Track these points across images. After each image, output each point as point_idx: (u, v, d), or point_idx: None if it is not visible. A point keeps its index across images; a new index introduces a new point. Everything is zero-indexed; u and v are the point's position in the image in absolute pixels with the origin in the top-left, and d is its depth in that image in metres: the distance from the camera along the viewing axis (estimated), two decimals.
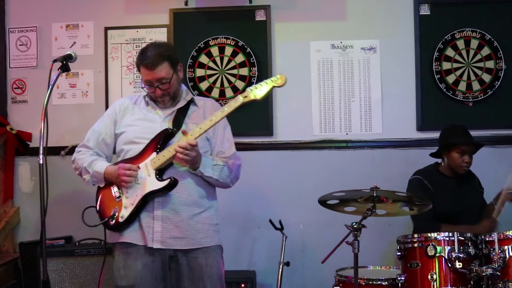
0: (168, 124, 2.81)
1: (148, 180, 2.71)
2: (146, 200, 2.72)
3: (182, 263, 2.76)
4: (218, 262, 2.83)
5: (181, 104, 2.88)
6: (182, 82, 2.96)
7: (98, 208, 2.85)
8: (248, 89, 2.69)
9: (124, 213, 2.73)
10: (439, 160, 3.66)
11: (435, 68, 4.15)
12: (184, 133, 2.65)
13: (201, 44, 4.23)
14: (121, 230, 2.76)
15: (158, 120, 2.85)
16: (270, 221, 3.70)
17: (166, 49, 2.82)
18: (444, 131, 3.63)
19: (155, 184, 2.69)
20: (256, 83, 2.74)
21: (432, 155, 3.67)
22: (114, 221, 2.74)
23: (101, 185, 2.84)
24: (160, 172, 2.72)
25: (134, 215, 2.73)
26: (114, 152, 2.96)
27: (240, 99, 2.69)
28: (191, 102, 2.92)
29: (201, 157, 2.71)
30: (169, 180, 2.68)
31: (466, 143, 3.51)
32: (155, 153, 2.73)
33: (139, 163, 2.75)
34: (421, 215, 3.23)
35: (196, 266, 2.75)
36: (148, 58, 2.75)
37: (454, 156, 3.51)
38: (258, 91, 2.67)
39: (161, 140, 2.75)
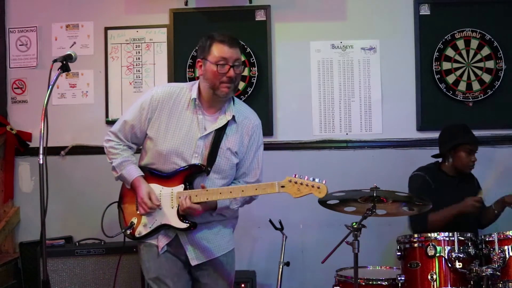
0: (205, 148, 2.69)
1: (170, 212, 2.70)
2: (164, 227, 2.73)
3: (208, 264, 2.81)
4: (234, 261, 2.92)
5: (219, 123, 2.72)
6: None
7: (119, 206, 2.86)
8: (288, 180, 2.51)
9: (142, 230, 2.75)
10: (440, 160, 3.65)
11: (435, 68, 4.15)
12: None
13: None
14: (139, 240, 2.79)
15: (197, 134, 2.70)
16: (270, 221, 3.70)
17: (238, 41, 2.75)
18: (447, 131, 3.62)
19: (175, 221, 2.69)
20: (301, 177, 2.52)
21: (434, 156, 3.66)
22: (130, 231, 2.77)
23: (128, 187, 2.82)
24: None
25: (151, 234, 2.75)
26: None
27: (276, 189, 2.55)
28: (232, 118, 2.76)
29: (213, 204, 2.69)
30: (188, 224, 2.67)
31: (475, 142, 3.51)
32: (182, 185, 2.69)
33: (165, 185, 2.72)
34: (418, 215, 3.24)
35: (219, 265, 2.82)
36: (228, 36, 2.66)
37: (461, 156, 3.51)
38: (297, 191, 2.51)
39: (192, 174, 2.69)
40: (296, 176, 2.51)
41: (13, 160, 4.28)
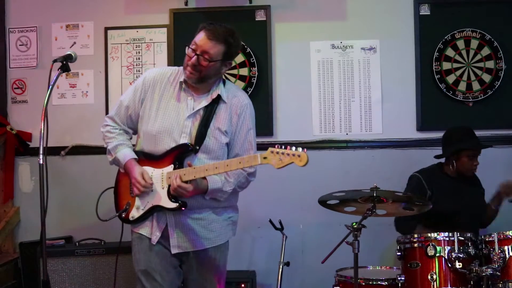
0: (193, 128, 2.72)
1: (160, 193, 2.72)
2: (156, 209, 2.74)
3: (193, 256, 2.80)
4: (225, 256, 2.91)
5: (206, 101, 2.75)
6: (220, 75, 2.81)
7: (114, 191, 2.90)
8: (270, 151, 2.50)
9: (135, 214, 2.78)
10: (443, 160, 3.65)
11: (435, 68, 4.15)
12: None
13: None
14: (133, 224, 2.82)
15: (184, 113, 2.74)
16: (270, 221, 3.70)
17: (234, 40, 2.72)
18: (451, 135, 3.59)
19: (166, 202, 2.70)
20: (282, 146, 2.51)
21: (437, 157, 3.66)
22: (125, 215, 2.80)
23: (122, 171, 2.86)
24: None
25: (144, 217, 2.77)
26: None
27: (258, 160, 2.53)
28: (219, 98, 2.78)
29: (205, 185, 2.67)
30: (178, 204, 2.68)
31: (479, 148, 3.51)
32: (172, 165, 2.70)
33: (156, 167, 2.74)
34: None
35: (206, 259, 2.81)
36: (214, 28, 2.67)
37: (464, 161, 3.50)
38: (279, 161, 2.50)
39: (181, 154, 2.70)
40: (277, 146, 2.52)
41: (13, 160, 4.28)
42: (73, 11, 4.33)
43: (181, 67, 2.81)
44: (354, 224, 2.89)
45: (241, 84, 4.20)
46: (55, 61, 2.63)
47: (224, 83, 2.84)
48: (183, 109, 2.76)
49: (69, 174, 4.24)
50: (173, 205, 2.68)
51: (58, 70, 2.61)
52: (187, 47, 2.71)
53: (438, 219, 3.43)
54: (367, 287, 3.11)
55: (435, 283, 2.94)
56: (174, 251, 2.75)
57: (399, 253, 3.10)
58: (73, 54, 2.68)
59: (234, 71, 4.22)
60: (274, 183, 4.15)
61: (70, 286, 3.59)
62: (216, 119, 2.76)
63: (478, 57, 4.15)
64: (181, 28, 4.26)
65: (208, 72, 2.69)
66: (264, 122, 4.20)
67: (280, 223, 3.69)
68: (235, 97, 2.83)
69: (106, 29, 4.31)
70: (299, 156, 2.48)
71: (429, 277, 2.96)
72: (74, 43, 4.32)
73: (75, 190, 4.22)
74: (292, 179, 4.16)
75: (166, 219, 2.75)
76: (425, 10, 4.18)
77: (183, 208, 2.68)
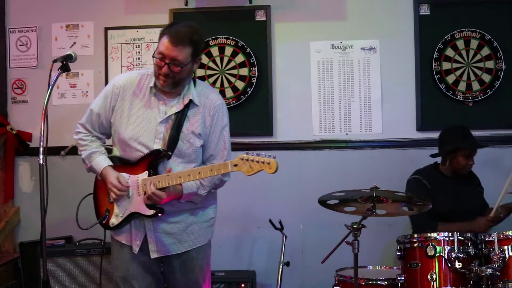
0: (166, 133, 2.71)
1: (137, 199, 2.71)
2: (134, 216, 2.74)
3: (174, 258, 2.80)
4: (208, 255, 2.90)
5: (177, 108, 2.73)
6: (192, 74, 2.79)
7: (94, 198, 2.89)
8: (240, 158, 2.50)
9: (114, 220, 2.77)
10: (439, 160, 3.66)
11: (435, 68, 4.15)
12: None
13: None
14: (113, 230, 2.81)
15: (157, 119, 2.72)
16: (270, 221, 3.69)
17: (198, 36, 2.66)
18: (446, 134, 3.60)
19: (143, 209, 2.70)
20: (251, 153, 2.51)
21: (433, 156, 3.67)
22: (105, 221, 2.79)
23: (99, 178, 2.84)
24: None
25: (123, 224, 2.77)
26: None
27: (229, 168, 2.53)
28: (190, 101, 2.76)
29: (179, 190, 2.67)
30: (155, 211, 2.68)
31: (475, 147, 3.51)
32: (147, 172, 2.69)
33: (131, 173, 2.73)
34: (418, 215, 3.23)
35: (188, 260, 2.81)
36: (176, 32, 2.60)
37: (459, 160, 3.50)
38: (249, 169, 2.49)
39: (154, 160, 2.69)
40: (248, 153, 2.51)
41: (13, 160, 4.29)
42: (73, 11, 4.33)
43: (149, 70, 2.79)
44: (354, 224, 2.89)
45: (241, 84, 4.20)
46: (55, 61, 2.63)
47: (194, 83, 2.81)
48: (155, 115, 2.73)
49: (69, 174, 4.24)
50: (150, 212, 2.68)
51: (58, 70, 2.61)
52: (153, 57, 2.67)
53: (435, 218, 3.43)
54: (367, 287, 3.11)
55: (435, 283, 2.94)
56: (153, 256, 2.75)
57: (399, 253, 3.10)
58: (73, 54, 2.68)
59: (234, 71, 4.22)
60: (274, 183, 4.15)
61: (70, 286, 3.59)
62: (189, 122, 2.74)
63: (478, 57, 4.15)
64: None
65: (181, 76, 2.67)
66: (264, 122, 4.20)
67: (280, 223, 3.69)
68: (207, 99, 2.80)
69: (106, 29, 4.31)
70: (268, 163, 2.47)
71: (429, 277, 2.96)
72: (74, 43, 4.32)
73: (75, 190, 4.21)
74: (292, 179, 4.16)
75: (144, 225, 2.75)
76: (425, 10, 4.18)
77: (160, 214, 2.68)
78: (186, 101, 2.73)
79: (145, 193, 2.67)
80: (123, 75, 2.87)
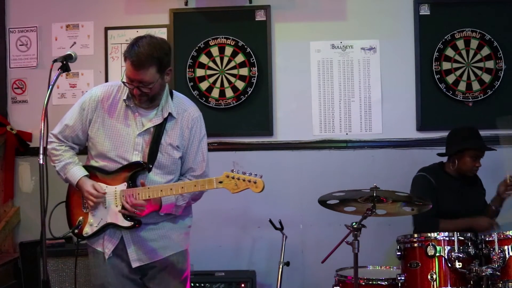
0: (145, 145, 2.70)
1: (114, 210, 2.70)
2: (110, 226, 2.74)
3: (155, 265, 2.79)
4: (187, 260, 2.90)
5: (157, 120, 2.72)
6: (166, 85, 2.76)
7: (66, 206, 2.86)
8: (226, 175, 2.53)
9: (88, 230, 2.76)
10: (444, 160, 3.65)
11: (435, 68, 4.15)
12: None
13: (201, 44, 4.23)
14: (87, 239, 2.80)
15: (134, 131, 2.71)
16: (270, 221, 3.69)
17: (159, 51, 2.60)
18: (456, 134, 3.59)
19: (120, 220, 2.69)
20: (238, 170, 2.55)
21: (440, 155, 3.66)
22: (78, 231, 2.78)
23: (76, 189, 2.80)
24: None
25: (98, 233, 2.76)
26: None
27: (214, 184, 2.55)
28: (169, 114, 2.75)
29: (158, 200, 2.67)
30: (132, 223, 2.68)
31: (483, 149, 3.51)
32: (125, 184, 2.69)
33: (109, 183, 2.72)
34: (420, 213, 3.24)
35: (169, 265, 2.81)
36: (137, 55, 2.55)
37: (466, 160, 3.49)
38: (235, 186, 2.52)
39: (133, 172, 2.69)
40: (234, 171, 2.53)
41: (13, 160, 4.28)
42: (73, 11, 4.33)
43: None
44: (354, 224, 2.89)
45: (241, 84, 4.20)
46: (55, 61, 2.63)
47: (171, 95, 2.80)
48: (133, 127, 2.73)
49: None
50: (128, 223, 2.68)
51: (58, 70, 2.61)
52: (122, 82, 2.66)
53: (440, 217, 3.43)
54: (367, 287, 3.11)
55: (435, 283, 2.94)
56: (134, 265, 2.74)
57: (399, 253, 3.10)
58: (73, 54, 2.67)
59: (234, 71, 4.22)
60: (274, 183, 4.14)
61: (70, 286, 3.59)
62: (168, 135, 2.74)
63: (478, 57, 4.15)
64: (181, 28, 4.26)
65: (154, 92, 2.66)
66: (264, 122, 4.21)
67: (280, 223, 3.69)
68: (185, 111, 2.80)
69: (106, 29, 4.31)
70: (255, 182, 2.50)
71: (429, 277, 2.96)
72: (74, 43, 4.32)
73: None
74: (292, 179, 4.17)
75: (120, 234, 2.74)
76: (425, 10, 4.18)
77: (137, 226, 2.68)
78: (166, 115, 2.73)
79: (122, 206, 2.66)
80: (99, 87, 2.83)
